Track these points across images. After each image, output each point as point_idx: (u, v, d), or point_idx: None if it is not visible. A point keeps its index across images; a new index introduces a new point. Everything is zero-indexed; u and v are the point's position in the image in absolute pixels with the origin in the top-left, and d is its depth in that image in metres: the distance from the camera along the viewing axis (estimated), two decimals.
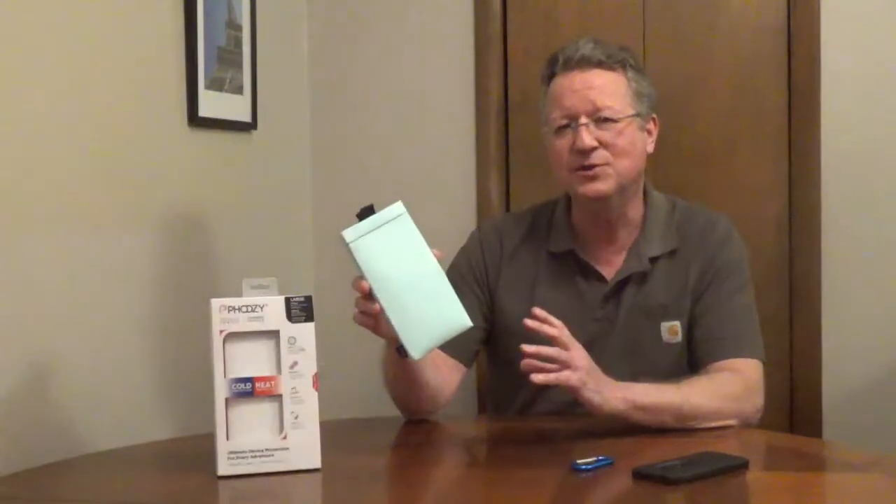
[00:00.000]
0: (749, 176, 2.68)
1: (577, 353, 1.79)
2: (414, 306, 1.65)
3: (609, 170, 1.99)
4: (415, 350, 1.65)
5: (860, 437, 2.52)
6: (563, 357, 1.77)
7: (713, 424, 1.87)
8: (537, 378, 1.75)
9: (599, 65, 2.01)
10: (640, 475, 1.56)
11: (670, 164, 2.63)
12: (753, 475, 1.60)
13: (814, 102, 2.61)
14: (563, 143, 2.01)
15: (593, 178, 1.99)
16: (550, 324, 1.79)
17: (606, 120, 1.98)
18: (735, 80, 2.68)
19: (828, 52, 2.60)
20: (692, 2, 2.71)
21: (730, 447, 1.71)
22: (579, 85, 2.00)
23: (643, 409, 1.82)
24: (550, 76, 2.06)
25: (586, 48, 2.02)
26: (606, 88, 2.00)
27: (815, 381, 2.64)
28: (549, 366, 1.76)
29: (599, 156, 1.98)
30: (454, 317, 1.67)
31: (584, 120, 1.98)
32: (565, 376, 1.76)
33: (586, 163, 1.98)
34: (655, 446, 1.74)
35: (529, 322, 1.79)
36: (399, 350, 1.69)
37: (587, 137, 1.97)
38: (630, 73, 2.04)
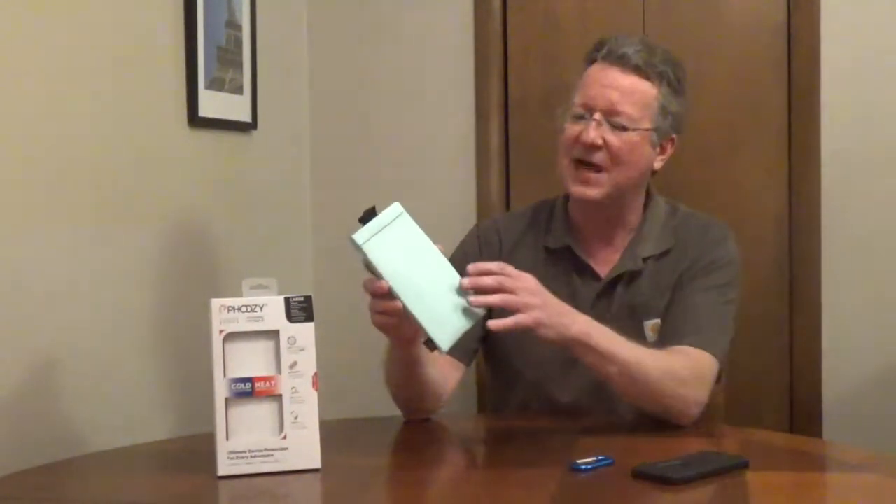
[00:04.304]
0: (749, 174, 2.68)
1: (526, 289, 1.74)
2: (434, 300, 1.68)
3: (603, 177, 1.97)
4: (443, 342, 1.68)
5: (860, 437, 2.52)
6: (511, 303, 1.72)
7: (650, 398, 1.84)
8: (495, 326, 1.72)
9: (636, 69, 1.97)
10: (640, 475, 1.55)
11: (670, 164, 2.62)
12: (753, 475, 1.60)
13: (814, 101, 2.61)
14: (573, 129, 1.98)
15: (585, 182, 1.98)
16: (488, 271, 1.73)
17: (619, 125, 1.96)
18: (735, 78, 2.68)
19: (828, 51, 2.61)
20: (692, 1, 2.71)
21: (730, 447, 1.70)
22: (607, 81, 1.97)
23: (596, 350, 1.79)
24: (592, 60, 2.03)
25: (630, 48, 1.98)
26: (631, 94, 1.97)
27: (815, 381, 2.64)
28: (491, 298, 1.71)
29: (600, 157, 1.96)
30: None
31: (598, 116, 1.96)
32: (522, 320, 1.73)
33: (586, 159, 1.97)
34: (655, 446, 1.74)
35: (465, 281, 1.70)
36: (427, 343, 1.75)
37: (594, 133, 1.95)
38: (664, 89, 2.00)
